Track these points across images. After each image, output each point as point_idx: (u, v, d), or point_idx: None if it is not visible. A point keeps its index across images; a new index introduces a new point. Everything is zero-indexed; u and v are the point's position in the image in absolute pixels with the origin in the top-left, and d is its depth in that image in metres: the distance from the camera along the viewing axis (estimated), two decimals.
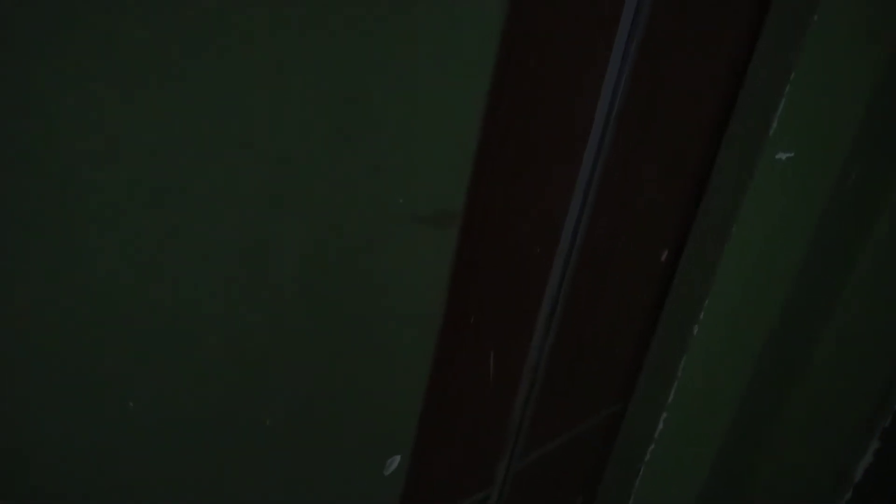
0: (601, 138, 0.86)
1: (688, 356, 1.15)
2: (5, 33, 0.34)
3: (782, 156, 1.03)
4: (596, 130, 0.85)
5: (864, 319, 1.40)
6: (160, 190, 0.42)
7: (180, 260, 0.45)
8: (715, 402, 1.30)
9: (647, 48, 0.82)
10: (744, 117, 1.01)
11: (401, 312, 0.58)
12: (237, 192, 0.45)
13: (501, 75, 0.64)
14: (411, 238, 0.54)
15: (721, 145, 1.04)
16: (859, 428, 1.51)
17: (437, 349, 0.69)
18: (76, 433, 0.45)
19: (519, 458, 1.09)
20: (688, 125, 0.99)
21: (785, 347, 1.36)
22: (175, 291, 0.45)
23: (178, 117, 0.41)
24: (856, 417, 1.50)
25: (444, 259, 0.58)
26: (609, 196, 0.92)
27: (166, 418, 0.49)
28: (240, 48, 0.41)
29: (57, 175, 0.38)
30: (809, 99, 1.00)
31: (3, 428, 0.43)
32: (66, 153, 0.38)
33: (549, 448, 1.16)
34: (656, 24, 0.81)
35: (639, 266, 1.09)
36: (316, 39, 0.44)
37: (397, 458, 0.67)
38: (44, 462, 0.45)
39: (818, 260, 1.25)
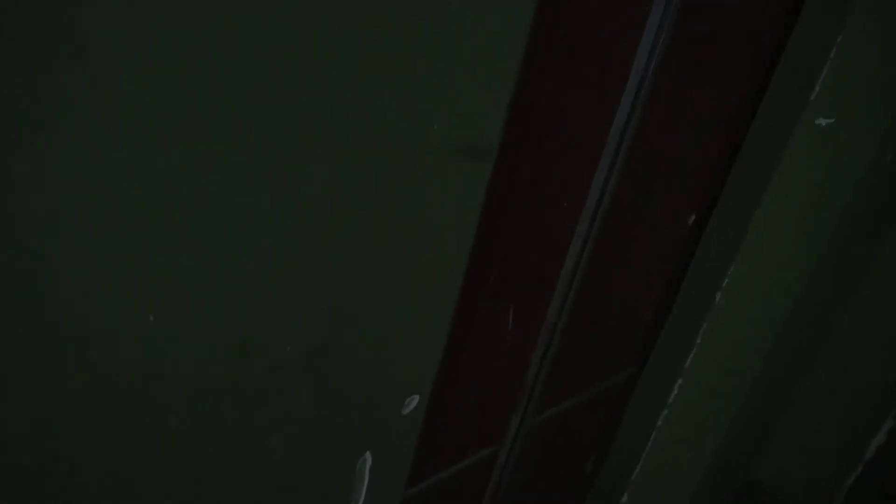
0: (636, 95, 0.83)
1: (708, 323, 1.14)
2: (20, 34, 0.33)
3: (822, 121, 0.99)
4: (631, 87, 0.82)
5: (887, 297, 1.37)
6: (189, 111, 0.41)
7: (208, 180, 0.44)
8: (731, 371, 1.29)
9: (688, 5, 0.79)
10: (785, 79, 0.98)
11: (430, 246, 0.58)
12: (269, 114, 0.44)
13: (542, 19, 0.62)
14: (444, 168, 0.53)
15: (759, 107, 1.01)
16: (875, 406, 1.50)
17: (459, 298, 0.68)
18: (93, 341, 0.45)
19: (532, 415, 1.10)
20: (727, 85, 0.96)
21: (807, 321, 1.34)
22: (202, 211, 0.45)
23: (215, 36, 0.40)
24: (873, 396, 1.49)
25: (476, 194, 0.57)
26: (640, 155, 0.90)
27: (185, 335, 0.49)
28: None
29: (84, 108, 0.38)
30: (855, 65, 0.97)
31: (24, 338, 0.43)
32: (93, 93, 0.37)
33: (563, 407, 1.16)
34: None
35: (665, 228, 1.07)
36: None
37: (416, 398, 0.67)
38: (57, 377, 0.45)
39: (848, 234, 1.23)
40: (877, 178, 1.17)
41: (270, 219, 0.48)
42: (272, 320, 0.53)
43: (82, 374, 0.45)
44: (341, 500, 0.70)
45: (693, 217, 1.10)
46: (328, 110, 0.46)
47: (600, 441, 1.34)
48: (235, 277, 0.49)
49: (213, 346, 0.51)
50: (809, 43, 0.95)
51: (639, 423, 1.27)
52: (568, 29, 0.68)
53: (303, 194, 0.49)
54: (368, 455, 0.67)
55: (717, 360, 1.21)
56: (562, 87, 0.72)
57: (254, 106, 0.43)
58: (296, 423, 0.60)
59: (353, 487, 0.70)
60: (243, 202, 0.46)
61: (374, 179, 0.51)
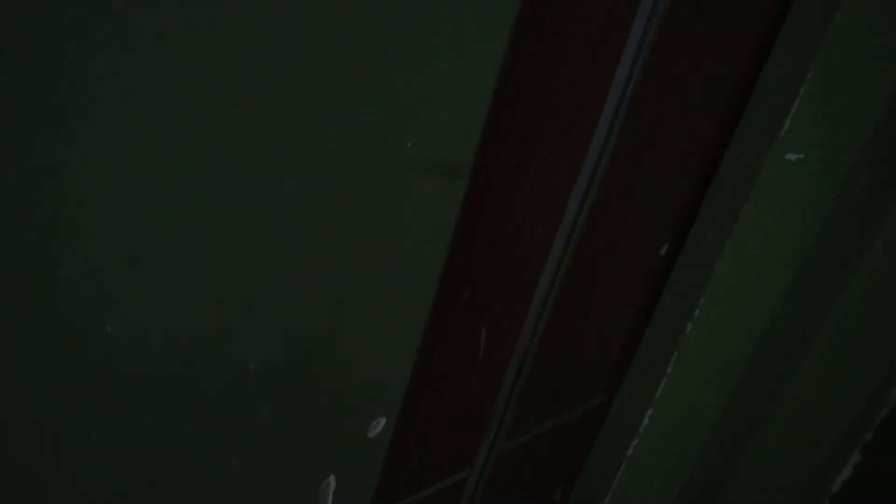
0: (611, 123, 0.85)
1: (679, 353, 1.14)
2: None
3: (792, 157, 1.02)
4: (606, 115, 0.84)
5: (855, 332, 1.40)
6: (156, 116, 0.41)
7: (171, 187, 0.43)
8: (701, 401, 1.29)
9: (663, 37, 0.80)
10: (756, 115, 1.00)
11: (400, 264, 0.57)
12: (236, 122, 0.44)
13: (517, 45, 0.63)
14: (416, 186, 0.53)
15: (731, 141, 1.03)
16: (841, 440, 1.51)
17: (430, 318, 0.68)
18: (45, 351, 0.43)
19: (502, 441, 1.09)
20: (700, 118, 0.98)
21: (776, 353, 1.35)
22: (164, 218, 0.44)
23: (186, 44, 0.40)
24: (839, 430, 1.50)
25: (448, 213, 0.57)
26: (614, 183, 0.91)
27: (143, 347, 0.47)
28: None
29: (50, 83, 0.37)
30: (825, 102, 0.99)
31: None
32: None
33: (533, 434, 1.16)
34: (674, 15, 0.79)
35: (638, 257, 1.08)
36: None
37: (382, 421, 0.66)
38: (10, 386, 0.44)
39: (816, 268, 1.25)
40: (845, 213, 1.19)
41: (234, 231, 0.48)
42: (234, 336, 0.52)
43: (31, 384, 0.44)
44: None
45: (666, 247, 1.11)
46: (296, 123, 0.46)
47: (570, 468, 1.33)
48: (196, 289, 0.48)
49: (170, 359, 0.49)
50: (780, 80, 0.97)
51: (609, 452, 1.26)
52: (544, 56, 0.69)
53: (269, 207, 0.48)
54: (332, 478, 0.66)
55: (687, 389, 1.21)
56: (537, 113, 0.73)
57: (221, 115, 0.43)
58: (256, 444, 0.58)
59: None
60: (207, 213, 0.46)
61: (343, 196, 0.51)
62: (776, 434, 1.51)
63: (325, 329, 0.57)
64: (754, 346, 1.28)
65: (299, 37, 0.43)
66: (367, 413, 0.65)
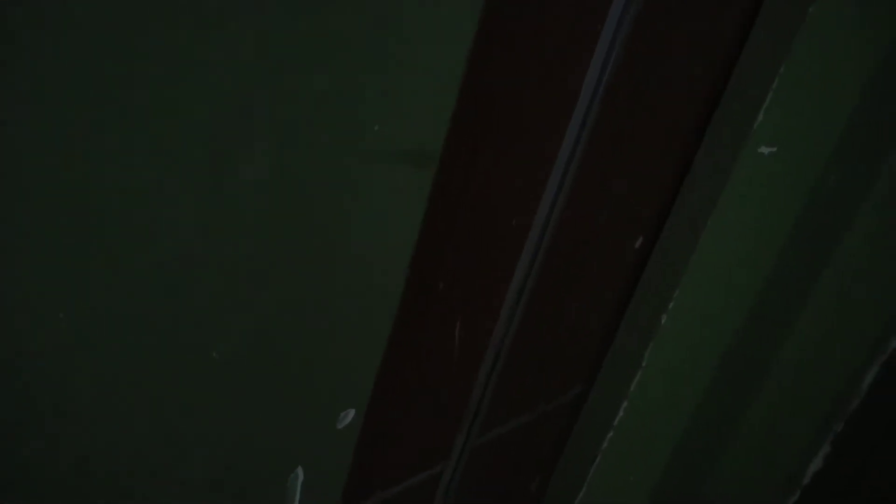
0: (586, 115, 0.84)
1: (653, 345, 1.15)
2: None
3: (765, 150, 1.02)
4: (581, 107, 0.83)
5: (827, 323, 1.41)
6: (112, 93, 0.40)
7: (131, 171, 0.42)
8: (676, 394, 1.30)
9: (637, 30, 0.80)
10: (730, 108, 1.00)
11: (367, 252, 0.56)
12: (196, 104, 0.43)
13: (488, 32, 0.62)
14: (383, 171, 0.52)
15: (705, 134, 1.04)
16: (812, 433, 1.53)
17: (402, 308, 0.67)
18: None
19: (477, 434, 1.08)
20: (674, 111, 0.98)
21: (750, 346, 1.36)
22: (123, 201, 0.43)
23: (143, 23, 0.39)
24: (810, 422, 1.52)
25: (417, 202, 0.56)
26: (589, 176, 0.91)
27: (99, 334, 0.46)
28: None
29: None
30: (797, 95, 1.00)
31: None
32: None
33: (509, 427, 1.15)
34: (648, 8, 0.79)
35: (613, 250, 1.08)
36: None
37: (351, 412, 0.65)
38: None
39: (790, 261, 1.26)
40: (818, 205, 1.20)
41: (198, 219, 0.47)
42: (197, 324, 0.51)
43: None
44: None
45: (640, 240, 1.12)
46: (260, 104, 0.45)
47: (546, 461, 1.33)
48: (158, 275, 0.47)
49: (131, 348, 0.48)
50: (753, 74, 0.98)
51: (585, 444, 1.27)
52: (517, 43, 0.68)
53: (233, 195, 0.47)
54: (300, 470, 0.65)
55: (662, 382, 1.22)
56: (511, 102, 0.72)
57: (178, 96, 0.42)
58: (221, 434, 0.57)
59: None
60: (169, 198, 0.45)
61: (309, 183, 0.50)
62: (749, 426, 1.53)
63: (291, 317, 0.56)
64: (728, 339, 1.29)
65: (264, 20, 0.42)
66: (335, 404, 0.64)
